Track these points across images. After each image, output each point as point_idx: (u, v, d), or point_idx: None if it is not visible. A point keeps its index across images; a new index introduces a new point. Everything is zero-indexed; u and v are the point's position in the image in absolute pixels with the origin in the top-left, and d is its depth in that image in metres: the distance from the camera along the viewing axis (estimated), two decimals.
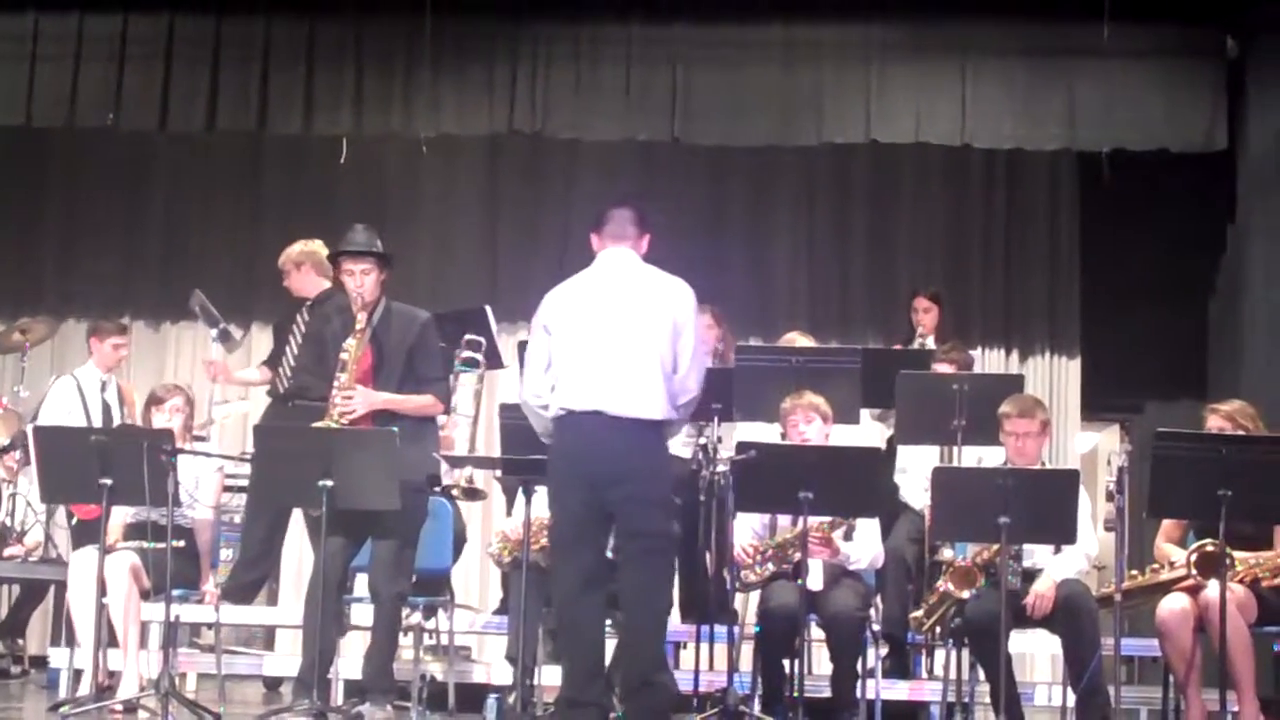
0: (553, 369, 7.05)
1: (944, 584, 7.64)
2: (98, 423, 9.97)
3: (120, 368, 10.61)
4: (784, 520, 7.86)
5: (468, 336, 8.59)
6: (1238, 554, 7.26)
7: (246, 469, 9.29)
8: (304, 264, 9.62)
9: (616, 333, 6.97)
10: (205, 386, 10.61)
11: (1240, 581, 7.31)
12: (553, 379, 7.04)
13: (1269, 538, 7.46)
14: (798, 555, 7.57)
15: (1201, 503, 7.00)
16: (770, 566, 7.82)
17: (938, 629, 8.02)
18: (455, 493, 8.21)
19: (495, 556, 8.41)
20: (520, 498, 7.72)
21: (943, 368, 9.06)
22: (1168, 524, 7.74)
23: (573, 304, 7.11)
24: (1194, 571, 7.28)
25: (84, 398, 10.14)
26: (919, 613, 7.91)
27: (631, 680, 6.88)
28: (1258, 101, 11.20)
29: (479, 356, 8.59)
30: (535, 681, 7.81)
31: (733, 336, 9.92)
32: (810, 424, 7.94)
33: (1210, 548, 7.21)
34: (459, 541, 9.12)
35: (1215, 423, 7.62)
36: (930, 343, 10.23)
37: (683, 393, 7.07)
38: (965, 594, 7.53)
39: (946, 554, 7.83)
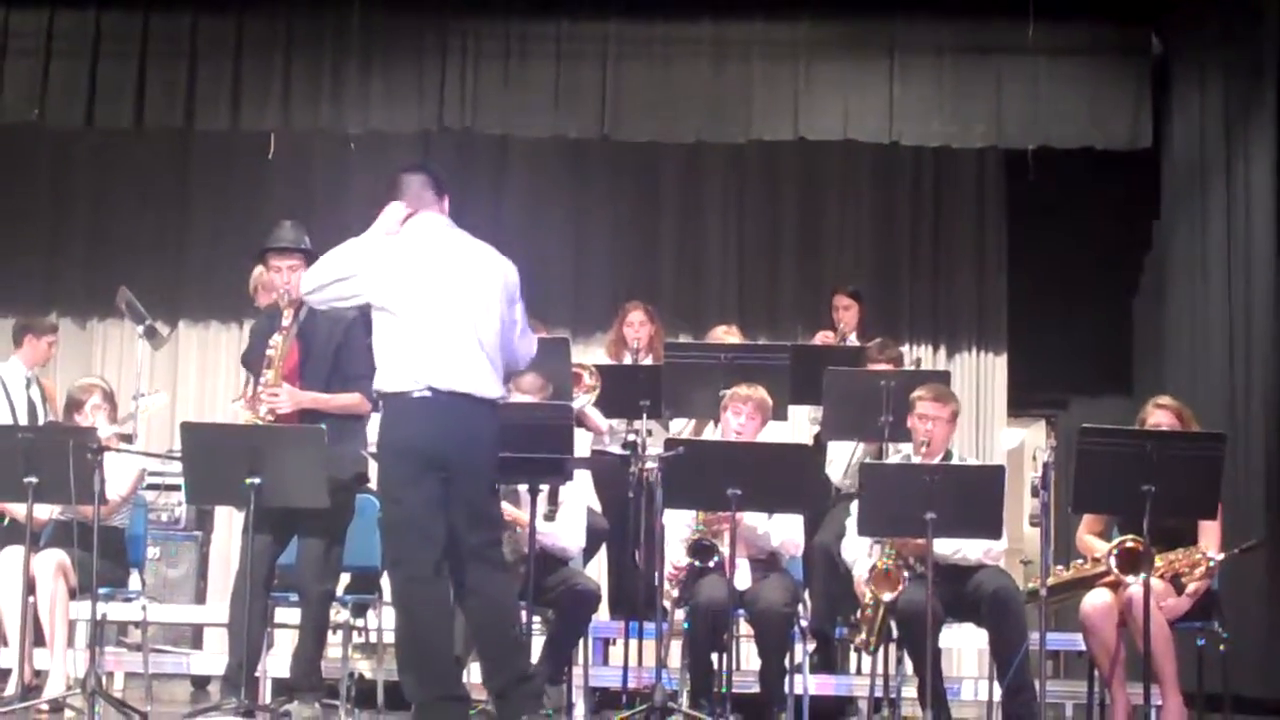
0: (393, 343, 6.75)
1: (869, 592, 7.61)
2: (24, 420, 9.88)
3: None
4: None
5: None
6: (1157, 552, 7.31)
7: (172, 466, 9.22)
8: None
9: (463, 310, 6.75)
10: (127, 380, 10.48)
11: (1161, 577, 7.37)
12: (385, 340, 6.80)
13: (1191, 532, 7.53)
14: (706, 540, 7.65)
15: (1125, 498, 7.04)
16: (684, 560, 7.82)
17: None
18: None
19: None
20: None
21: (880, 368, 8.97)
22: (1089, 517, 7.78)
23: (406, 274, 6.86)
24: (1114, 568, 7.33)
25: (9, 395, 10.05)
26: (861, 635, 7.74)
27: (507, 677, 6.77)
28: (1182, 99, 11.27)
29: None
30: (465, 678, 7.81)
31: (663, 333, 9.93)
32: (753, 420, 7.95)
33: (1130, 544, 7.26)
34: None
35: (1161, 416, 7.65)
36: (854, 340, 10.23)
37: (524, 359, 7.04)
38: (891, 595, 7.54)
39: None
